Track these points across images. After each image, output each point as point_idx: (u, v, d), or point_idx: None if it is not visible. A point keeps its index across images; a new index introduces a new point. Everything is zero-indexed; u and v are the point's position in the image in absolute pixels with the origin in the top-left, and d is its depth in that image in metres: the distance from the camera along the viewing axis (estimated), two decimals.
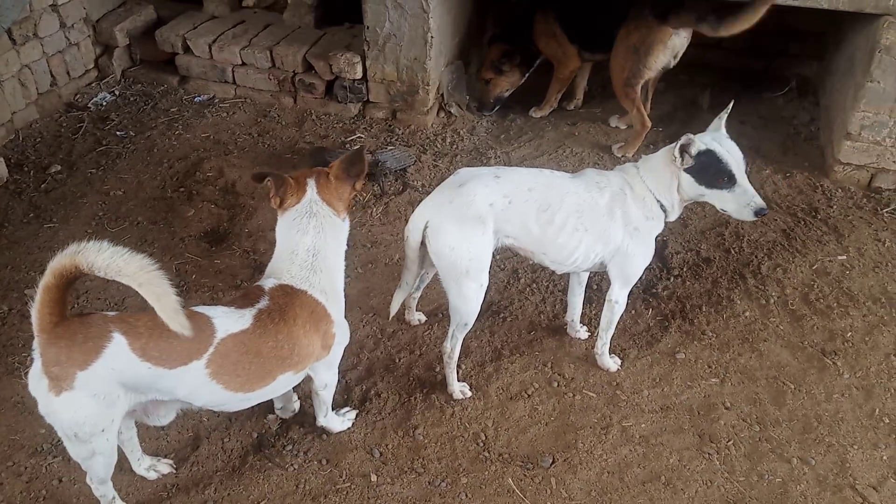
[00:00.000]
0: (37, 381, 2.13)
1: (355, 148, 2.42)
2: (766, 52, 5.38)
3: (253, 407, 2.88)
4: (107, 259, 1.99)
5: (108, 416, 2.16)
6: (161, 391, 2.22)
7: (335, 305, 2.51)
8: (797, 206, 4.12)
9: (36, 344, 2.11)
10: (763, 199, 2.68)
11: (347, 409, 2.95)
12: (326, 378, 2.64)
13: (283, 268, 2.45)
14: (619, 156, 4.52)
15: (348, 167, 2.48)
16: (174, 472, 2.73)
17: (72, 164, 4.39)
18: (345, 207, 2.52)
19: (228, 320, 2.27)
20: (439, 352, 3.08)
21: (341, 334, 2.55)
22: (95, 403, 2.12)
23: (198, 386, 2.22)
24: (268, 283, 2.44)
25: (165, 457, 2.77)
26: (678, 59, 4.32)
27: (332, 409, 2.84)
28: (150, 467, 2.71)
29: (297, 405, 2.94)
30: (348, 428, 2.88)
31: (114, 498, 2.50)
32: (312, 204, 2.45)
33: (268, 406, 2.90)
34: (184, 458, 2.77)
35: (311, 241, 2.45)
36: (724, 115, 2.79)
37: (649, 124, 4.46)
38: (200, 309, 2.29)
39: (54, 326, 2.08)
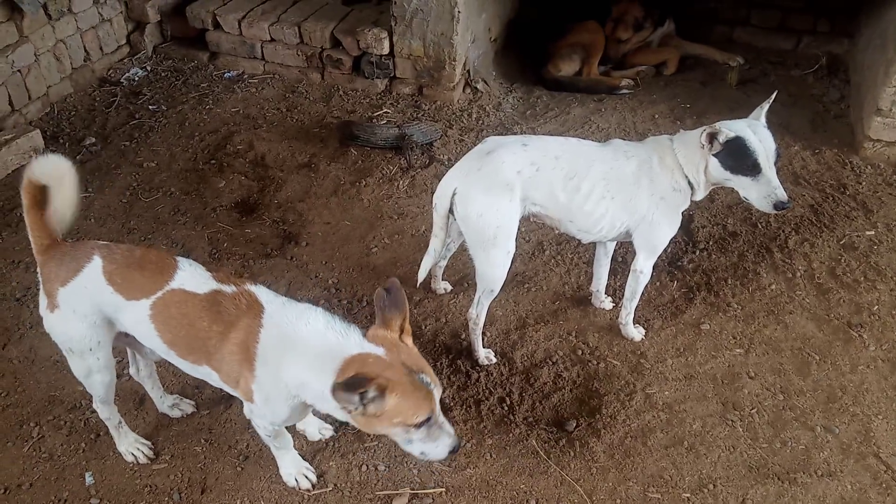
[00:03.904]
0: (41, 300, 2.34)
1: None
2: (796, 30, 5.33)
3: None
4: (50, 164, 2.26)
5: (92, 337, 2.30)
6: (121, 322, 2.30)
7: (267, 378, 2.14)
8: (826, 182, 4.09)
9: (38, 266, 2.32)
10: (787, 194, 2.64)
11: (309, 468, 2.66)
12: (258, 424, 2.37)
13: (282, 311, 2.16)
14: None
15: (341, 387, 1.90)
16: (196, 412, 2.85)
17: (106, 136, 4.48)
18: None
19: (189, 277, 2.24)
20: (465, 319, 3.13)
21: (262, 404, 2.20)
22: (78, 321, 2.27)
23: (140, 322, 2.24)
24: (260, 291, 2.23)
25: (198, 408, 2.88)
26: None
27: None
28: (173, 405, 2.83)
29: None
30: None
31: (119, 422, 2.65)
32: (343, 349, 2.03)
33: None
34: (217, 415, 2.86)
35: (303, 342, 2.08)
36: (765, 105, 2.76)
37: None
38: (181, 258, 2.32)
39: (47, 248, 2.30)
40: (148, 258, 2.29)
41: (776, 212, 2.71)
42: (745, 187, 2.69)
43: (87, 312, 2.27)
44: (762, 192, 2.66)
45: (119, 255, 2.28)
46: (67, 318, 2.28)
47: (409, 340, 2.09)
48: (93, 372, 2.40)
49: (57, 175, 2.27)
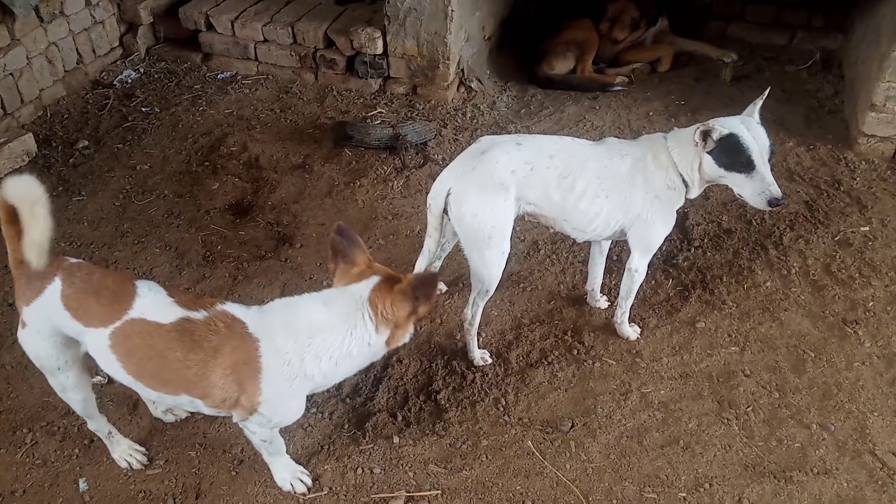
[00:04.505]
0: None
1: (430, 272, 2.22)
2: (790, 25, 5.34)
3: None
4: (22, 186, 2.06)
5: (59, 357, 2.28)
6: (86, 345, 2.24)
7: (280, 383, 2.15)
8: (820, 177, 4.09)
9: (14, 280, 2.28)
10: (781, 190, 2.64)
11: (304, 471, 2.65)
12: (255, 431, 2.33)
13: (268, 318, 2.18)
14: None
15: (416, 286, 2.11)
16: (190, 416, 2.83)
17: (99, 139, 4.46)
18: (389, 324, 2.16)
19: (150, 304, 2.15)
20: (460, 320, 3.12)
21: (270, 413, 2.22)
22: (43, 340, 2.24)
23: (102, 352, 2.18)
24: (233, 308, 2.20)
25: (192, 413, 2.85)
26: None
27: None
28: (167, 410, 2.81)
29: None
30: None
31: (110, 433, 2.63)
32: (359, 296, 2.15)
33: None
34: (211, 420, 2.84)
35: (324, 321, 2.15)
36: (759, 102, 2.76)
37: None
38: (142, 281, 2.23)
39: (20, 263, 2.20)
40: (104, 283, 2.20)
41: (770, 208, 2.70)
42: (740, 184, 2.69)
43: (50, 333, 2.23)
44: (756, 188, 2.65)
45: (78, 279, 2.19)
46: (34, 336, 2.25)
47: (376, 265, 2.24)
48: (66, 389, 2.38)
49: (28, 199, 2.06)
